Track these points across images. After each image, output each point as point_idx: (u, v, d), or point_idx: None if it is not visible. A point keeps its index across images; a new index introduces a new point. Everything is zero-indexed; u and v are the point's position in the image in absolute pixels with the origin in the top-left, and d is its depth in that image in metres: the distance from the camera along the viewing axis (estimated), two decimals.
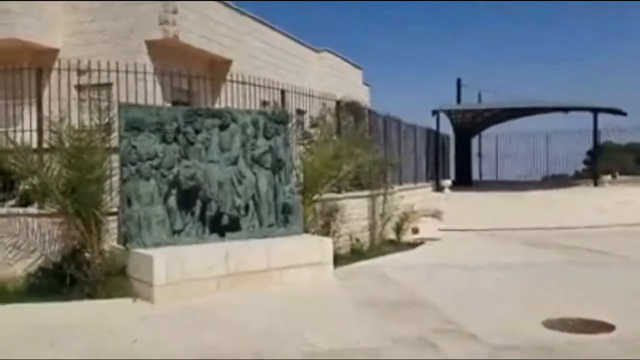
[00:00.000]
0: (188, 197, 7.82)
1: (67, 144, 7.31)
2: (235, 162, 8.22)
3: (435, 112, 19.60)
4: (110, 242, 7.81)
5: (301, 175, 9.53)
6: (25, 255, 7.68)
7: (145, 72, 9.02)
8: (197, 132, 8.00)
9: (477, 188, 20.98)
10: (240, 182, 8.19)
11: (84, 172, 6.97)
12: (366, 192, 11.95)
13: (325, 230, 10.09)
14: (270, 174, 8.55)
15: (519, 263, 9.53)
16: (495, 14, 61.78)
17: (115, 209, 7.84)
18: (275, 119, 8.78)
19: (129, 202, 7.54)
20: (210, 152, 8.05)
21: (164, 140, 7.80)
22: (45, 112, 8.22)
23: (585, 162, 29.77)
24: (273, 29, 17.03)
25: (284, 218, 8.56)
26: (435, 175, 19.64)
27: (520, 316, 6.11)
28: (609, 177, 21.74)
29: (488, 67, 57.32)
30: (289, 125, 9.18)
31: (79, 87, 9.52)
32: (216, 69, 13.72)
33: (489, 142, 26.05)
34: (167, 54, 12.34)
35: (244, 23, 15.37)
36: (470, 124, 23.09)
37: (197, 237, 7.80)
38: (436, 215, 12.16)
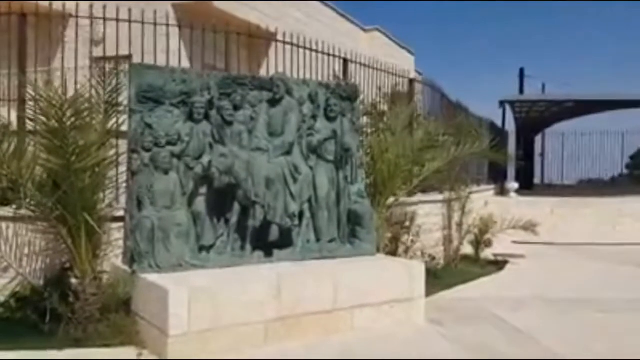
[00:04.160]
0: (223, 198, 5.50)
1: (52, 120, 5.04)
2: (289, 152, 5.86)
3: (502, 103, 16.95)
4: (115, 259, 5.57)
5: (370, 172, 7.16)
6: None
7: (168, 24, 6.82)
8: (236, 108, 5.69)
9: (543, 192, 18.35)
10: (295, 180, 5.84)
11: (70, 158, 4.70)
12: (441, 196, 9.54)
13: (394, 246, 7.74)
14: (333, 169, 6.17)
15: None
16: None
17: (121, 213, 5.60)
18: (341, 94, 6.39)
19: (140, 205, 5.26)
20: (256, 136, 5.71)
21: (190, 117, 5.50)
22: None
23: (627, 166, 27.39)
24: (320, 0, 14.69)
25: (350, 231, 6.17)
26: (499, 177, 17.02)
27: None
28: None
29: (550, 59, 53.36)
30: (358, 103, 6.77)
31: (92, 60, 7.42)
32: (255, 45, 11.44)
33: (552, 140, 23.21)
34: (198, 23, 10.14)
35: None
36: (538, 118, 20.22)
37: (234, 257, 5.47)
38: (529, 228, 9.64)
